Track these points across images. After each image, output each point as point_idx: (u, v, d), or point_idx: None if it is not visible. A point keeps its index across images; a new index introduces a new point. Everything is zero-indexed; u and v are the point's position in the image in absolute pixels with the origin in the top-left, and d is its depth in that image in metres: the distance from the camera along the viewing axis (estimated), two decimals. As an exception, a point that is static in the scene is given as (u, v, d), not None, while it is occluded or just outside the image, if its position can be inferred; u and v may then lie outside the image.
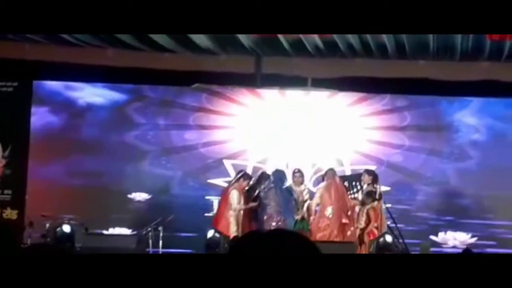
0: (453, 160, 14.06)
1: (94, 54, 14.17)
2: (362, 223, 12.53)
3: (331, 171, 12.97)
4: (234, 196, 12.49)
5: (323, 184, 12.95)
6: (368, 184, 12.71)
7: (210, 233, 12.14)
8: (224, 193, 12.80)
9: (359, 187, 13.33)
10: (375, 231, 12.42)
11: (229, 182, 13.08)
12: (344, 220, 12.57)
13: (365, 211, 12.57)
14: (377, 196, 12.73)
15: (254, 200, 12.66)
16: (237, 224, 12.44)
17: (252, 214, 12.74)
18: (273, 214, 12.63)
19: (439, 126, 14.22)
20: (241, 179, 12.68)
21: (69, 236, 11.87)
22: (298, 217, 12.71)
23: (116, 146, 14.24)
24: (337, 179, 12.85)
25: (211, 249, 11.82)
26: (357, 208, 12.91)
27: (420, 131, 14.19)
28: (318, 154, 14.16)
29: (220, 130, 14.26)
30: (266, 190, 12.87)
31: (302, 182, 13.02)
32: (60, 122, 14.32)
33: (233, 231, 12.30)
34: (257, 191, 12.69)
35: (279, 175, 13.07)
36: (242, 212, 12.56)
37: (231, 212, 12.45)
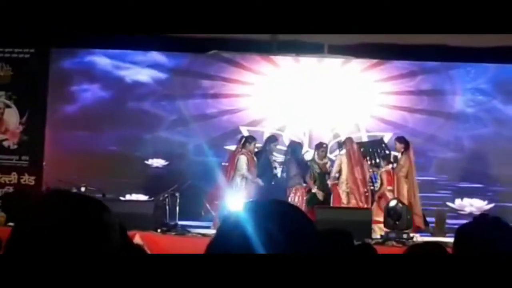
0: (470, 126, 14.02)
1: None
2: (378, 186, 12.73)
3: (349, 140, 12.98)
4: (243, 161, 12.26)
5: (342, 152, 12.99)
6: (402, 153, 12.60)
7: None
8: (231, 159, 12.57)
9: (379, 153, 13.35)
10: (388, 195, 12.45)
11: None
12: (362, 189, 12.59)
13: (379, 174, 12.69)
14: (391, 159, 12.82)
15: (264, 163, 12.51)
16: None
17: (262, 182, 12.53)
18: (297, 186, 12.60)
19: (454, 90, 14.20)
20: (247, 143, 12.48)
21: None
22: (314, 189, 12.75)
23: (132, 114, 14.26)
24: (355, 147, 12.84)
25: (226, 215, 11.59)
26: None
27: (437, 95, 14.20)
28: (335, 120, 14.16)
29: (238, 98, 14.25)
30: (284, 161, 12.85)
31: (325, 156, 13.13)
32: (75, 90, 14.36)
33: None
34: (265, 155, 12.58)
35: (295, 146, 13.07)
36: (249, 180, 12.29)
37: (239, 179, 12.29)
